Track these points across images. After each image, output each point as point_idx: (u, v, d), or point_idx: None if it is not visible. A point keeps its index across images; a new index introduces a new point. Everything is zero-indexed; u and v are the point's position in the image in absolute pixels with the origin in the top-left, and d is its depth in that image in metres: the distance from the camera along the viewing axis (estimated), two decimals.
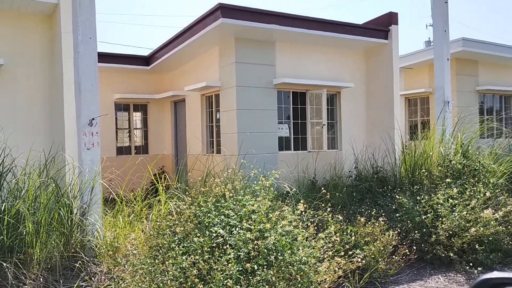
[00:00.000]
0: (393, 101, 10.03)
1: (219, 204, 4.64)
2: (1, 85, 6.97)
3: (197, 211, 4.61)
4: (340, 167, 9.32)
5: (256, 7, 8.55)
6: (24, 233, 4.69)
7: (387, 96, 10.14)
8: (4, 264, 4.35)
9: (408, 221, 5.92)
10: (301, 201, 5.05)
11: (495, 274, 1.34)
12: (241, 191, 5.04)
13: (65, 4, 6.48)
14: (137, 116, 12.80)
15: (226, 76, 9.13)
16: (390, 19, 10.13)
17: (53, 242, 4.82)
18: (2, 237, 4.53)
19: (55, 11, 6.89)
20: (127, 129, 12.64)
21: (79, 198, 5.35)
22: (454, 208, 5.85)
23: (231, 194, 4.86)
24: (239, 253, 3.99)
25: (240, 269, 3.86)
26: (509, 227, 5.87)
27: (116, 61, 11.42)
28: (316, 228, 4.97)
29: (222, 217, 4.41)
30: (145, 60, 11.94)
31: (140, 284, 3.94)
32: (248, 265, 3.87)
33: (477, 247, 5.52)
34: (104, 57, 10.45)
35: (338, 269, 4.46)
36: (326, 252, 4.55)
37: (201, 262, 3.88)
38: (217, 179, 5.24)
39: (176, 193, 5.65)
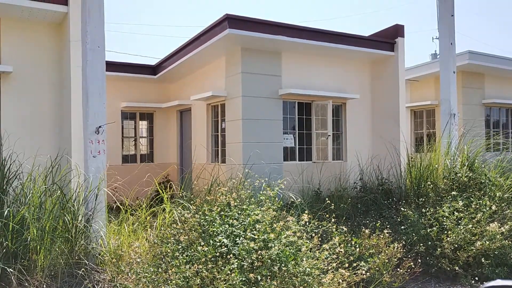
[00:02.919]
0: (398, 113, 10.03)
1: (223, 213, 4.64)
2: (9, 92, 7.04)
3: (202, 220, 4.61)
4: (345, 178, 9.30)
5: (263, 18, 8.61)
6: (29, 239, 4.70)
7: (393, 108, 10.14)
8: (9, 269, 4.36)
9: (413, 234, 5.89)
10: (306, 211, 5.03)
11: (498, 282, 1.33)
12: (247, 200, 5.04)
13: (74, 13, 6.56)
14: (143, 125, 12.85)
15: (232, 86, 9.18)
16: (397, 31, 10.17)
17: (57, 249, 4.82)
18: (6, 242, 4.54)
19: (65, 19, 6.97)
20: (133, 138, 12.69)
21: (83, 205, 5.36)
22: (459, 221, 5.81)
23: (235, 204, 4.86)
24: (242, 263, 3.98)
25: (243, 279, 3.84)
26: None
27: (123, 69, 11.51)
28: (320, 239, 4.95)
29: (227, 226, 4.41)
30: (152, 69, 12.03)
31: None
32: (251, 275, 3.85)
33: (482, 261, 5.47)
34: (112, 66, 10.54)
35: (342, 281, 4.43)
36: (330, 264, 4.52)
37: (204, 271, 3.87)
38: (222, 188, 5.24)
39: (181, 202, 5.65)
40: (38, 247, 4.73)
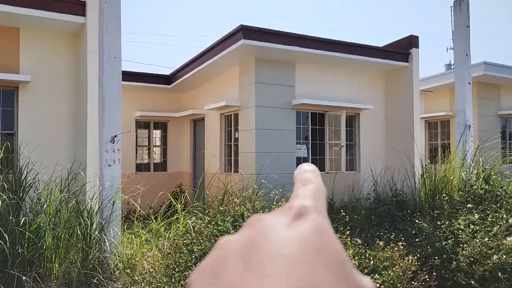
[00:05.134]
0: (413, 124, 9.96)
1: (237, 224, 4.64)
2: (27, 101, 7.15)
3: (215, 231, 4.61)
4: (358, 189, 9.23)
5: (277, 28, 8.65)
6: (44, 247, 4.75)
7: (407, 119, 10.08)
8: (24, 277, 4.40)
9: (428, 246, 5.82)
10: None
11: None
12: (261, 211, 5.03)
13: (91, 24, 6.66)
14: (157, 134, 12.95)
15: (245, 96, 9.21)
16: (411, 42, 10.13)
17: (71, 258, 4.87)
18: (22, 250, 4.59)
19: (82, 30, 7.09)
20: (147, 146, 12.78)
21: (99, 214, 5.41)
22: (475, 234, 5.72)
23: (249, 214, 4.86)
24: None
25: None
26: None
27: (138, 79, 11.63)
28: None
29: None
30: (166, 79, 12.14)
31: None
32: None
33: (499, 275, 5.37)
34: (127, 76, 10.63)
35: None
36: None
37: None
38: (236, 198, 5.25)
39: (194, 212, 5.67)
40: (53, 256, 4.78)
